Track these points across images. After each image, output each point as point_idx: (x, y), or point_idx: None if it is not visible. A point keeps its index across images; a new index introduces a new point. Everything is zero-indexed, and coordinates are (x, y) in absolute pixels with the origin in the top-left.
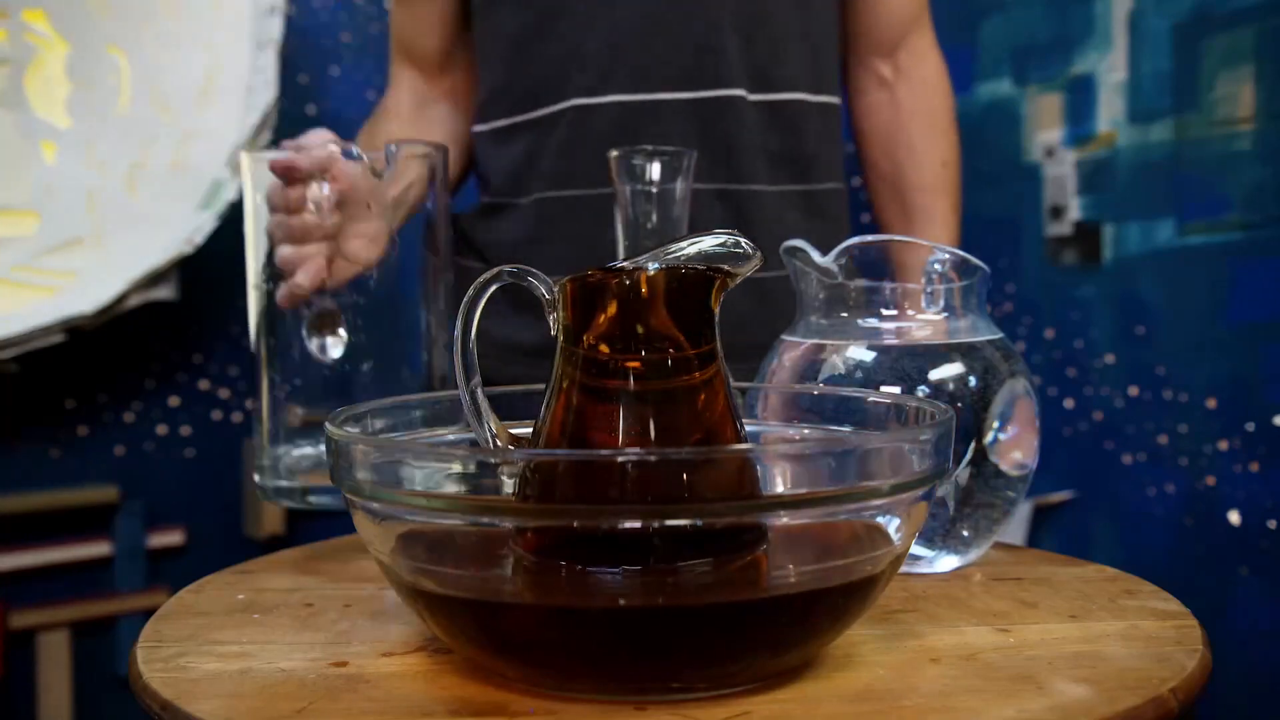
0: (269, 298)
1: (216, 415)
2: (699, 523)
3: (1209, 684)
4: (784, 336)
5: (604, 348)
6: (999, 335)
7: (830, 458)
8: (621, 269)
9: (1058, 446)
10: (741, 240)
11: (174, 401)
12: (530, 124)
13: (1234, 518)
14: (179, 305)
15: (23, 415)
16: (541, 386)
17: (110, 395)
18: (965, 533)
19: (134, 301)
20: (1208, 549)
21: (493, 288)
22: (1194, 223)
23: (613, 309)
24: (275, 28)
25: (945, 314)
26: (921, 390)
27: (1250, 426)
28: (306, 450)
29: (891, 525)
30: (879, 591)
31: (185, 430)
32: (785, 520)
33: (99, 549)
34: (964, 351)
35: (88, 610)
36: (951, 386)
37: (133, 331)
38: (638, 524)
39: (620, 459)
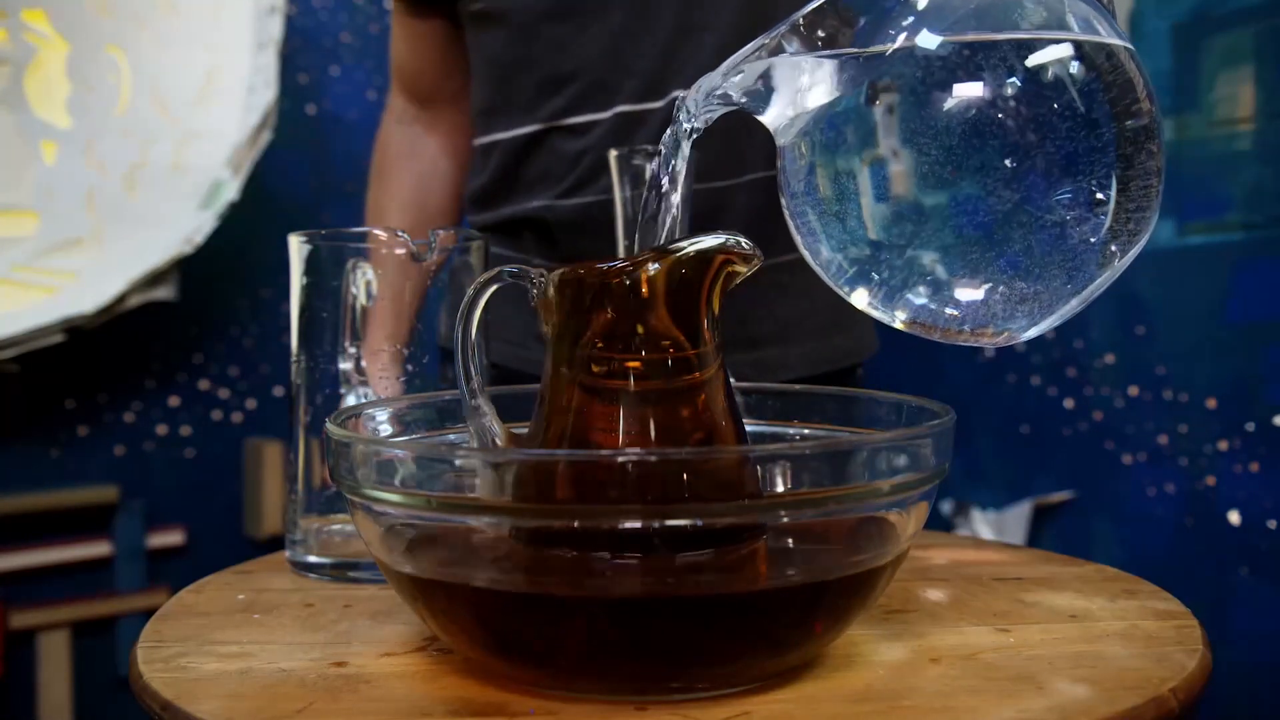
0: (305, 373)
1: (216, 415)
2: (699, 523)
3: (1209, 684)
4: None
5: (603, 348)
6: None
7: (830, 458)
8: (621, 267)
9: (1058, 447)
10: (741, 240)
11: (174, 401)
12: (507, 143)
13: (1234, 518)
14: (179, 305)
15: (23, 415)
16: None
17: (110, 395)
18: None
19: (134, 301)
20: (1208, 549)
21: (492, 288)
22: (1194, 223)
23: (612, 309)
24: (275, 28)
25: None
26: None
27: (1250, 426)
28: (347, 529)
29: (892, 525)
30: (879, 592)
31: (185, 430)
32: (785, 520)
33: (99, 549)
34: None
35: (88, 610)
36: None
37: (133, 331)
38: (638, 524)
39: (620, 459)
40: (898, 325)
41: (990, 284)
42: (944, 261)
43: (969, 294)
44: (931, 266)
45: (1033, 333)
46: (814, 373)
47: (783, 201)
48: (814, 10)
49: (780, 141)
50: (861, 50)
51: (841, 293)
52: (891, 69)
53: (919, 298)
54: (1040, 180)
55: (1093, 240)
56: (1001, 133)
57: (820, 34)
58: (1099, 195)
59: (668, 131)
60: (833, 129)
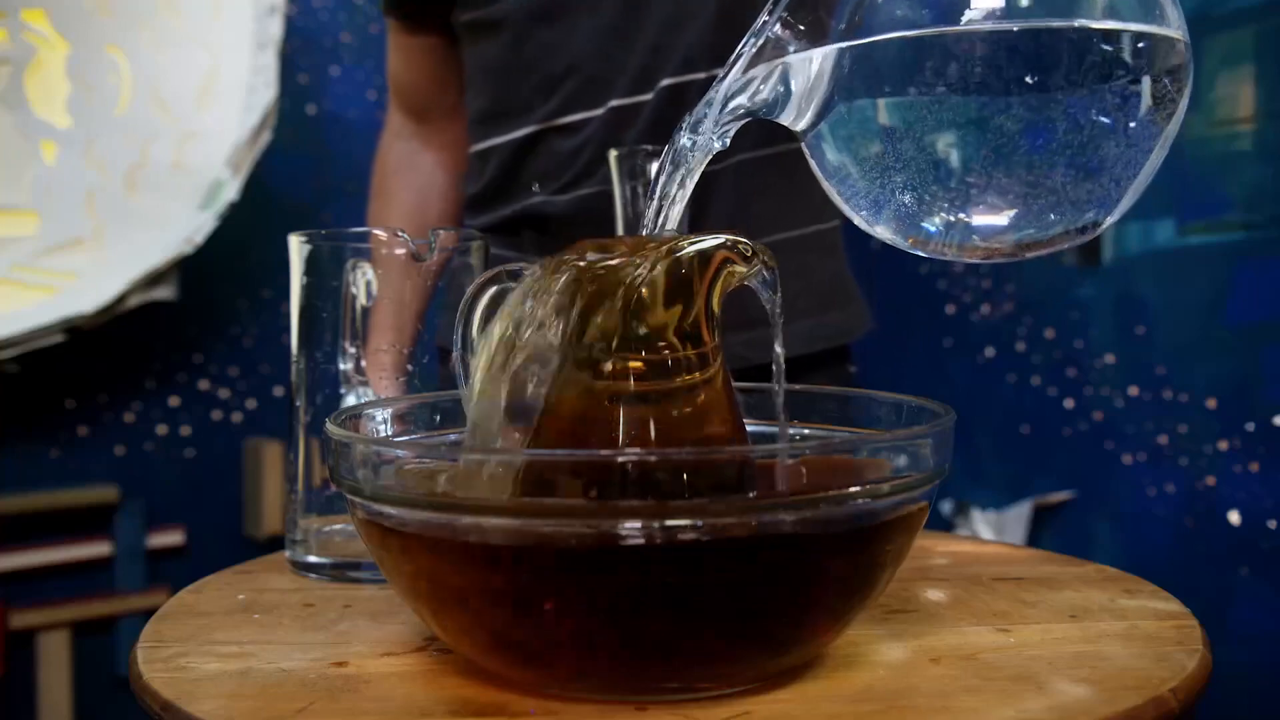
0: (305, 373)
1: (216, 415)
2: (699, 523)
3: (1209, 684)
4: None
5: (603, 347)
6: None
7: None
8: (621, 266)
9: (1058, 447)
10: (741, 241)
11: (174, 401)
12: (503, 147)
13: (1234, 518)
14: (179, 305)
15: (23, 415)
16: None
17: (110, 395)
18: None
19: (134, 301)
20: (1208, 549)
21: (492, 289)
22: (1194, 223)
23: (612, 308)
24: (275, 28)
25: None
26: None
27: (1250, 426)
28: (347, 529)
29: (892, 525)
30: (879, 591)
31: (185, 430)
32: (785, 520)
33: (99, 549)
34: None
35: (88, 610)
36: None
37: (133, 331)
38: (638, 524)
39: (620, 459)
40: (977, 259)
41: (1059, 179)
42: (1012, 171)
43: (1047, 195)
44: (999, 182)
45: (1114, 216)
46: (809, 351)
47: (828, 187)
48: (797, 2)
49: (808, 132)
50: (873, 30)
51: (928, 249)
52: (899, 28)
53: (999, 216)
54: (1067, 69)
55: (1136, 114)
56: (1022, 48)
57: (812, 21)
58: (1128, 57)
59: (678, 148)
60: (864, 101)
